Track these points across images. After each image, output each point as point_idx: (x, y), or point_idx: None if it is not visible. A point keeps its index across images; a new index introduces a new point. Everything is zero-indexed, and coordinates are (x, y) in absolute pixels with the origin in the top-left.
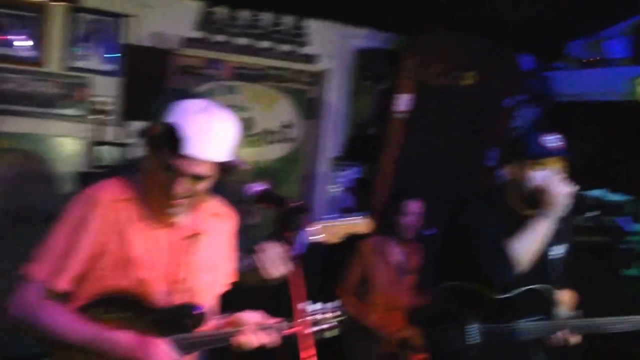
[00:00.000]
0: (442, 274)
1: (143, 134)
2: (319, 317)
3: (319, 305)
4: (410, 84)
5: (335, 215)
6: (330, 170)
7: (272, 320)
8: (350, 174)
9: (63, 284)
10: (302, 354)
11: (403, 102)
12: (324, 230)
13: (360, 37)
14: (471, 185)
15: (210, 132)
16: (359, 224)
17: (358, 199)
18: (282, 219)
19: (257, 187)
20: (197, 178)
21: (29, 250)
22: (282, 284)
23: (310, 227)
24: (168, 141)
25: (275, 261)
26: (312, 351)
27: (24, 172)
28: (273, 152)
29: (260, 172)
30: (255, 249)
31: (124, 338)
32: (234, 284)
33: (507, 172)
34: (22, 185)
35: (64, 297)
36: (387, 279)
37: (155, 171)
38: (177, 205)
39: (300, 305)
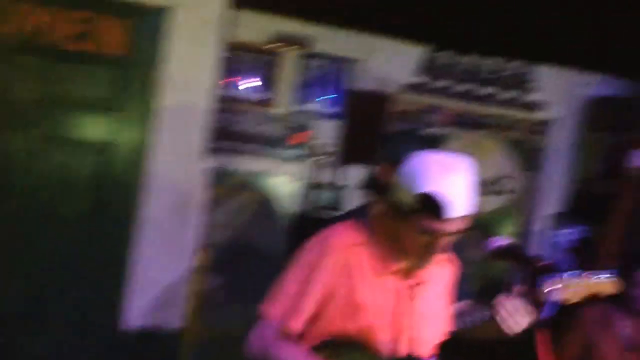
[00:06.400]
0: None
1: (369, 182)
2: None
3: None
4: None
5: (576, 272)
6: (550, 229)
7: None
8: (573, 234)
9: (296, 324)
10: None
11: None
12: (564, 289)
13: (591, 85)
14: None
15: (462, 188)
16: (605, 283)
17: (579, 262)
18: (528, 278)
19: (501, 241)
20: (452, 234)
21: (245, 284)
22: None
23: (550, 285)
24: (425, 208)
25: (515, 315)
26: None
27: (249, 209)
28: (488, 204)
29: (475, 224)
30: (494, 302)
31: None
32: (457, 335)
33: None
34: (246, 220)
35: (296, 337)
36: (611, 354)
37: (396, 224)
38: (430, 261)
39: None
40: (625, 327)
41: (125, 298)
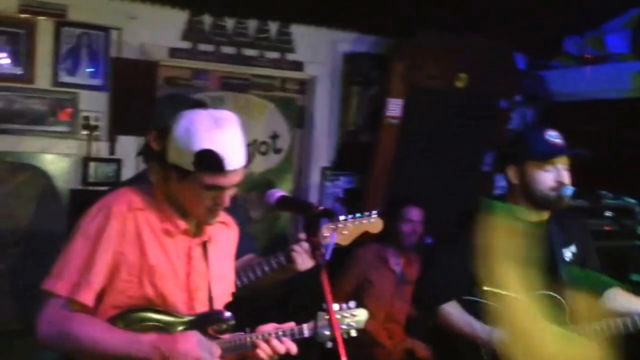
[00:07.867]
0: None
1: (143, 150)
2: (346, 315)
3: (339, 306)
4: (401, 88)
5: (346, 215)
6: (322, 181)
7: (289, 326)
8: (343, 183)
9: (86, 297)
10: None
11: (394, 107)
12: (338, 232)
13: (347, 42)
14: (469, 191)
15: (233, 141)
16: (373, 223)
17: (349, 209)
18: (308, 224)
19: (280, 192)
20: (230, 187)
21: (29, 268)
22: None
23: (327, 229)
24: (201, 165)
25: (305, 258)
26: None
27: (21, 191)
28: (263, 163)
29: (252, 183)
30: (288, 248)
31: (148, 338)
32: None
33: (510, 175)
34: (21, 203)
35: (88, 311)
36: (386, 288)
37: (176, 185)
38: (215, 217)
39: (328, 306)
40: (397, 263)
41: None
